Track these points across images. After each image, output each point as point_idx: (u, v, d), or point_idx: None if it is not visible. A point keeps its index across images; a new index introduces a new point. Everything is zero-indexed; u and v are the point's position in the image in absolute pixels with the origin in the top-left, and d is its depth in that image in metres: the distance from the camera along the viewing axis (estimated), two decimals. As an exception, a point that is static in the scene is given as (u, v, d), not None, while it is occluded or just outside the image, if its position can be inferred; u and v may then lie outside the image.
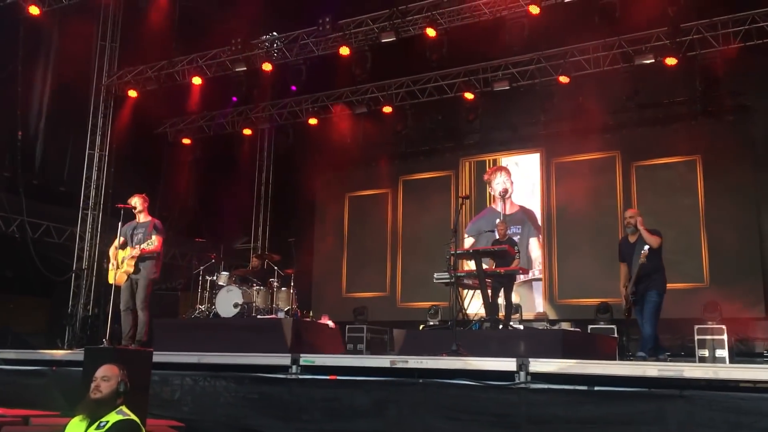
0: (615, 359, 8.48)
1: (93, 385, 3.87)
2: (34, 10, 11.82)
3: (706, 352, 9.77)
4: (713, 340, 9.75)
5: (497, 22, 11.67)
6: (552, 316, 13.00)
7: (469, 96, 13.56)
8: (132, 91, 13.95)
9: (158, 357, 6.15)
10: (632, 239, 7.59)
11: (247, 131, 15.73)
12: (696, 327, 10.08)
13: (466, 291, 9.00)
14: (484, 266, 8.57)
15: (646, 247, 7.23)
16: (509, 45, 11.87)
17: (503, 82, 12.94)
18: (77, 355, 6.91)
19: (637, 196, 12.97)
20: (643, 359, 6.94)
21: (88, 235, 13.25)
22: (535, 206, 14.09)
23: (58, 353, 7.70)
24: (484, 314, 8.53)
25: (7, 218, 13.03)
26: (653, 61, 11.54)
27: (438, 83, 13.82)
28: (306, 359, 6.29)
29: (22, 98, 11.85)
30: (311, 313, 11.51)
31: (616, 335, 10.53)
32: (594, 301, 11.90)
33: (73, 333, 12.32)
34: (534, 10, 10.94)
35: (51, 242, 13.61)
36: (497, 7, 11.55)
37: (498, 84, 12.98)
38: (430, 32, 11.81)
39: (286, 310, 9.75)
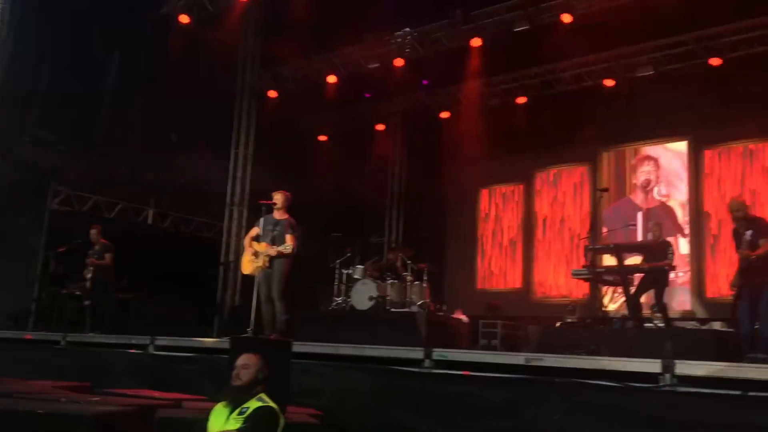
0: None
1: (234, 373, 4.07)
2: (184, 19, 12.69)
3: None
4: None
5: (638, 4, 11.06)
6: (700, 314, 12.17)
7: (609, 83, 12.98)
8: (272, 91, 14.58)
9: (298, 347, 6.38)
10: (743, 231, 6.80)
11: (380, 126, 15.96)
12: None
13: (606, 287, 8.64)
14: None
15: (749, 232, 6.51)
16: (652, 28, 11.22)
17: (647, 67, 12.27)
18: (224, 343, 7.30)
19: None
20: (765, 361, 6.27)
21: (234, 230, 14.00)
22: (679, 200, 13.23)
23: (208, 341, 8.18)
24: (626, 312, 8.15)
25: (164, 215, 14.09)
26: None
27: (575, 71, 13.32)
28: (439, 354, 6.28)
29: (172, 102, 12.70)
30: (445, 308, 11.48)
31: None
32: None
33: (222, 322, 13.10)
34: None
35: (202, 237, 14.58)
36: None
37: (641, 69, 12.32)
38: (566, 18, 11.40)
39: (420, 303, 9.80)
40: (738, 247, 6.97)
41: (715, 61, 11.66)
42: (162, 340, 7.98)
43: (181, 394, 6.23)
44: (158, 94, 12.58)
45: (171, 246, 13.48)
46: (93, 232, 9.92)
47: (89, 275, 9.69)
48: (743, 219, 6.83)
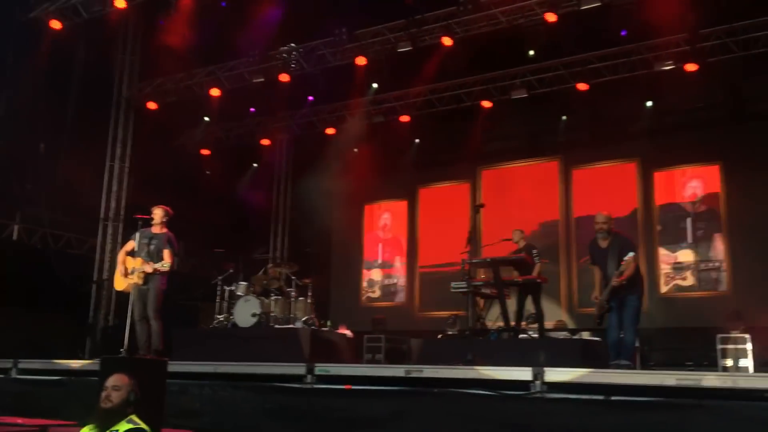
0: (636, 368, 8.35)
1: (103, 394, 3.87)
2: (55, 25, 12.06)
3: (729, 362, 9.57)
4: (736, 349, 9.54)
5: (514, 30, 11.67)
6: (571, 324, 12.87)
7: (486, 104, 13.55)
8: (151, 103, 14.11)
9: (175, 366, 6.18)
10: (603, 244, 7.31)
11: (265, 141, 15.83)
12: (718, 336, 9.89)
13: (485, 300, 8.94)
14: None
15: (631, 254, 6.98)
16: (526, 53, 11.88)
17: (521, 90, 12.91)
18: (94, 365, 6.95)
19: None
20: (628, 367, 6.79)
21: (108, 246, 13.38)
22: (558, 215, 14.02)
23: (76, 363, 7.75)
24: (502, 323, 8.47)
25: (31, 230, 13.23)
26: (673, 67, 11.47)
27: (455, 92, 13.81)
28: (321, 368, 6.28)
29: (44, 111, 12.02)
30: (329, 323, 11.48)
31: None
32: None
33: (94, 343, 12.44)
34: (550, 17, 10.91)
35: (72, 253, 13.79)
36: (514, 15, 11.50)
37: (516, 92, 12.95)
38: (447, 41, 11.81)
39: (304, 319, 9.74)
40: (593, 260, 7.48)
41: (581, 86, 12.45)
42: (26, 364, 7.48)
43: (47, 420, 5.87)
44: (27, 100, 11.85)
45: (38, 263, 12.65)
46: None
47: None
48: (607, 232, 7.29)
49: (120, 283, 7.47)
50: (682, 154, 12.87)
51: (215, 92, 13.90)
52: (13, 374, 7.47)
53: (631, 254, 6.99)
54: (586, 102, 12.90)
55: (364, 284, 15.87)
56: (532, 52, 12.78)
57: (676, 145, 12.94)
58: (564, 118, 13.86)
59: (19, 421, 5.88)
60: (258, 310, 9.50)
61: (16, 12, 12.03)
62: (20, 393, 7.21)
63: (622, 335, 7.13)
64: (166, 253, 7.30)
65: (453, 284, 8.77)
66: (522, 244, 9.17)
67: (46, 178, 12.56)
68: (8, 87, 11.93)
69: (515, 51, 12.81)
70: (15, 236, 13.17)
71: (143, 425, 3.88)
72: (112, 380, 3.90)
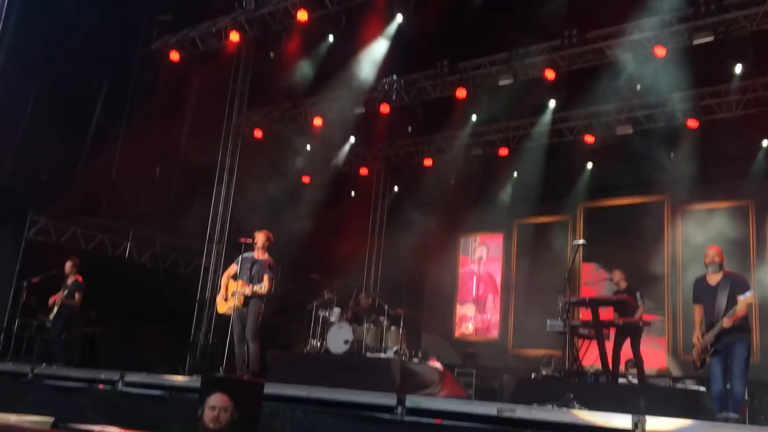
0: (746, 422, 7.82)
1: (212, 414, 4.00)
2: (174, 56, 12.82)
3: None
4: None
5: (620, 65, 11.39)
6: (675, 372, 12.22)
7: (589, 139, 13.25)
8: (258, 131, 14.69)
9: (269, 388, 6.30)
10: (713, 281, 6.77)
11: (363, 171, 16.09)
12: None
13: (581, 341, 8.66)
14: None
15: (749, 293, 6.43)
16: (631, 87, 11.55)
17: (626, 126, 12.54)
18: (195, 381, 7.19)
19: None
20: (737, 421, 6.28)
21: (212, 267, 13.91)
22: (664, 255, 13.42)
23: (179, 379, 8.05)
24: (600, 366, 8.17)
25: (142, 248, 13.98)
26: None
27: (557, 126, 13.59)
28: (412, 401, 6.23)
29: (159, 138, 12.73)
30: (420, 354, 11.43)
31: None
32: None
33: (193, 360, 12.91)
34: (660, 52, 10.59)
35: (178, 273, 14.46)
36: (621, 49, 11.23)
37: (621, 127, 12.59)
38: (549, 75, 11.68)
39: (395, 349, 9.75)
40: (696, 299, 6.95)
41: (692, 123, 11.97)
42: (132, 377, 7.83)
43: (148, 433, 6.09)
44: (143, 127, 12.61)
45: (147, 280, 13.34)
46: (68, 264, 9.80)
47: (55, 310, 9.54)
48: (719, 265, 6.82)
49: (222, 306, 7.75)
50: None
51: (318, 122, 14.31)
52: (120, 386, 7.82)
53: (749, 293, 6.48)
54: (697, 139, 12.35)
55: (457, 317, 15.71)
56: (639, 87, 12.39)
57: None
58: (672, 155, 13.28)
59: (124, 431, 6.13)
60: (350, 337, 9.61)
61: (136, 44, 12.86)
62: (125, 405, 7.53)
63: (728, 386, 6.68)
64: (266, 278, 7.54)
65: (549, 323, 8.57)
66: (623, 285, 8.86)
67: (160, 200, 13.26)
68: (126, 115, 12.73)
69: (620, 85, 12.47)
70: (126, 255, 13.96)
71: (239, 445, 3.99)
72: (219, 400, 4.03)
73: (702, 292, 6.91)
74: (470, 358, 13.34)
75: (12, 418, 6.32)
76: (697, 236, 12.50)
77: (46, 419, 6.64)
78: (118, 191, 12.83)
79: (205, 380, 5.89)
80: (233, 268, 7.79)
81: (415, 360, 10.32)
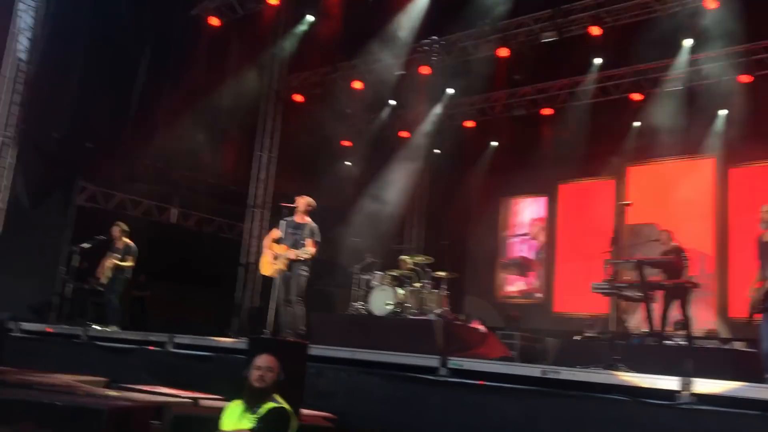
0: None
1: (258, 374, 4.07)
2: (213, 21, 12.84)
3: None
4: None
5: (668, 18, 10.98)
6: (724, 333, 11.99)
7: (636, 97, 12.88)
8: (298, 95, 14.67)
9: (314, 350, 6.39)
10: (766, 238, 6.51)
11: (403, 134, 15.98)
12: None
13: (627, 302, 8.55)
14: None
15: None
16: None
17: (675, 82, 12.14)
18: (241, 343, 7.34)
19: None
20: None
21: (254, 232, 14.07)
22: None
23: (226, 341, 8.22)
24: (646, 328, 8.06)
25: (187, 214, 14.22)
26: None
27: (603, 84, 13.23)
28: (454, 362, 6.25)
29: (200, 103, 12.82)
30: (463, 317, 11.44)
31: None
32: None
33: (239, 323, 13.17)
34: (711, 4, 10.17)
35: (223, 237, 14.69)
36: (669, 3, 10.83)
37: (669, 84, 12.20)
38: (595, 31, 11.34)
39: (438, 312, 9.76)
40: (762, 255, 6.70)
41: (744, 78, 11.52)
42: (181, 339, 8.03)
43: (197, 393, 6.26)
44: (185, 93, 12.70)
45: (192, 245, 13.60)
46: (116, 229, 9.98)
47: (108, 273, 9.76)
48: None
49: (266, 269, 7.84)
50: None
51: (358, 85, 14.21)
52: (169, 348, 8.03)
53: None
54: (748, 96, 11.89)
55: (499, 279, 15.65)
56: (687, 42, 11.93)
57: None
58: (722, 112, 12.82)
59: (173, 391, 6.30)
60: (393, 300, 9.65)
61: (177, 10, 12.88)
62: (174, 365, 7.74)
63: None
64: (309, 242, 7.60)
65: (594, 284, 8.41)
66: (670, 245, 8.66)
67: (203, 166, 13.42)
68: (168, 81, 12.82)
69: (668, 41, 12.03)
70: (173, 219, 14.23)
71: (285, 404, 4.06)
72: (265, 361, 4.10)
73: (760, 248, 6.65)
74: (513, 320, 13.31)
75: (68, 379, 6.57)
76: (747, 195, 12.14)
77: (100, 379, 6.89)
78: (163, 157, 13.02)
79: (252, 342, 6.00)
80: (276, 232, 7.85)
81: (458, 323, 10.33)
